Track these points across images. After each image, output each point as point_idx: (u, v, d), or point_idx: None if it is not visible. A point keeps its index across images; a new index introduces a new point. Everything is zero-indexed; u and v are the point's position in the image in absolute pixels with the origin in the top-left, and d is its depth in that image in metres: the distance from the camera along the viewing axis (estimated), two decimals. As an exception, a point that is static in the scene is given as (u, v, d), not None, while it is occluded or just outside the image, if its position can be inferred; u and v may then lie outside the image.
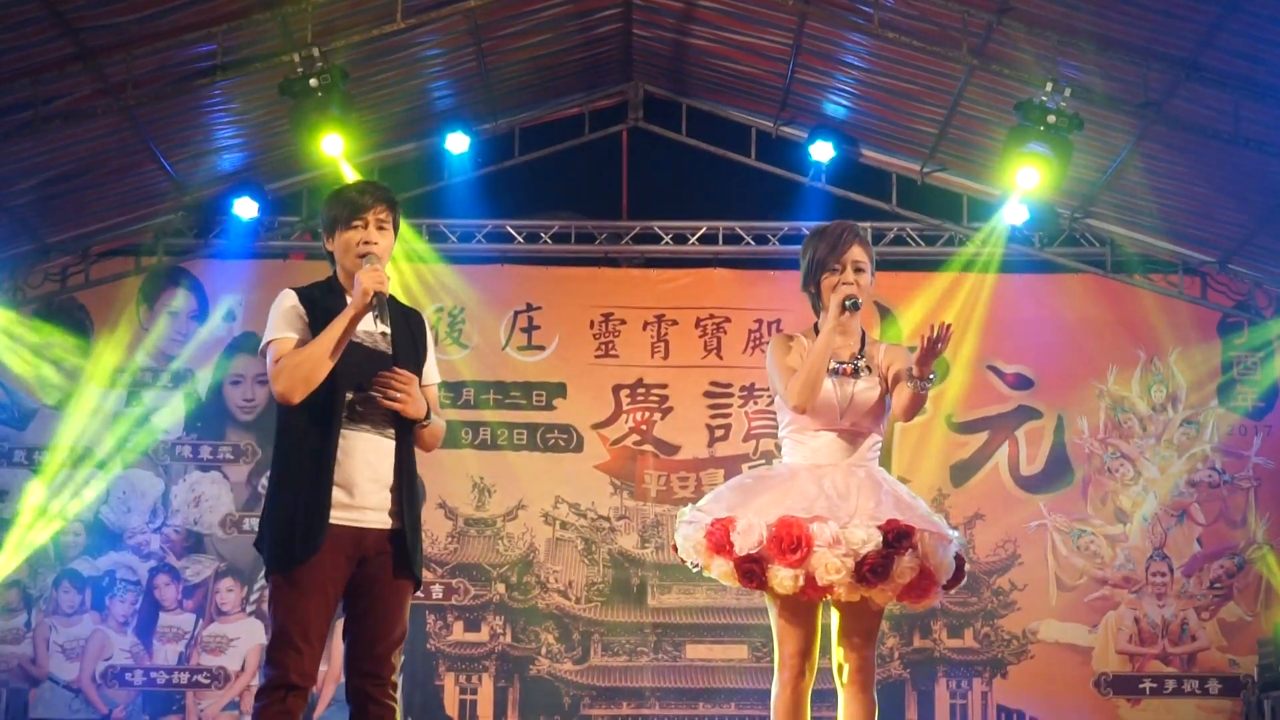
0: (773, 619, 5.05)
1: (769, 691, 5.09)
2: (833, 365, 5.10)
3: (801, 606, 4.98)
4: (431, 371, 4.95)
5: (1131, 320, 12.09)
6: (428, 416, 4.77)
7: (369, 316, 4.75)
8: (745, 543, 4.88)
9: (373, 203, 4.80)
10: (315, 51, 9.64)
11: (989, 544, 11.76)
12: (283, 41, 9.83)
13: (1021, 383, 12.08)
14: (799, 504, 4.91)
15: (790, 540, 4.82)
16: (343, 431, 4.66)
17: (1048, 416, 12.04)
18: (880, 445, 5.19)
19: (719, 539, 4.95)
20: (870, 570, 4.80)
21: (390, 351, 4.78)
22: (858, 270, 5.13)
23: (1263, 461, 11.88)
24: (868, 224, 12.07)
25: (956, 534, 5.08)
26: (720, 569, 5.00)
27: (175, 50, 9.68)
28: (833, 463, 5.06)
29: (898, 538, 4.82)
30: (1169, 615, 11.71)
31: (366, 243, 4.76)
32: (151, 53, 9.63)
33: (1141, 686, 11.66)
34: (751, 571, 4.91)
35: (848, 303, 5.07)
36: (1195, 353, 12.02)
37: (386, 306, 4.69)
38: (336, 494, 4.62)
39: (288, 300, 4.78)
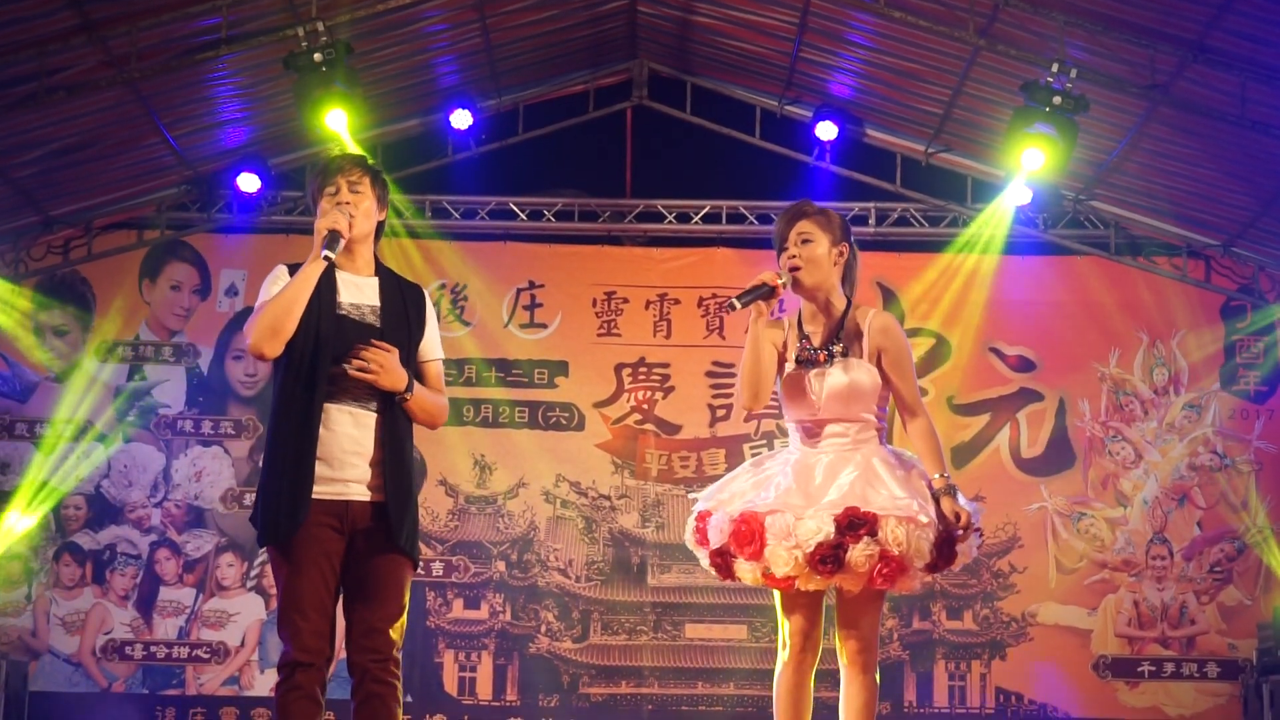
0: (776, 599, 5.06)
1: (767, 671, 5.10)
2: (806, 354, 5.06)
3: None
4: (431, 346, 4.92)
5: (1134, 303, 12.08)
6: (408, 390, 4.71)
7: (355, 290, 4.78)
8: (715, 536, 4.97)
9: (343, 165, 4.83)
10: (320, 26, 9.62)
11: (989, 526, 11.73)
12: (287, 15, 9.82)
13: (1023, 365, 12.07)
14: (765, 496, 4.92)
15: (746, 535, 4.87)
16: (326, 405, 4.67)
17: (1049, 399, 12.02)
18: (877, 424, 5.12)
19: (702, 531, 5.04)
20: (820, 561, 4.77)
21: (378, 324, 4.77)
22: (804, 241, 5.05)
23: (1264, 445, 11.87)
24: (871, 204, 12.14)
25: (974, 507, 5.01)
26: (703, 560, 5.11)
27: (180, 23, 9.67)
28: (824, 450, 5.03)
29: (851, 525, 4.77)
30: (1168, 599, 11.71)
31: (340, 203, 4.76)
32: (156, 25, 9.62)
33: (1140, 670, 11.66)
34: (720, 564, 5.02)
35: (737, 302, 4.91)
36: (1198, 336, 12.00)
37: (336, 242, 4.65)
38: (319, 467, 4.65)
39: (276, 272, 4.82)
